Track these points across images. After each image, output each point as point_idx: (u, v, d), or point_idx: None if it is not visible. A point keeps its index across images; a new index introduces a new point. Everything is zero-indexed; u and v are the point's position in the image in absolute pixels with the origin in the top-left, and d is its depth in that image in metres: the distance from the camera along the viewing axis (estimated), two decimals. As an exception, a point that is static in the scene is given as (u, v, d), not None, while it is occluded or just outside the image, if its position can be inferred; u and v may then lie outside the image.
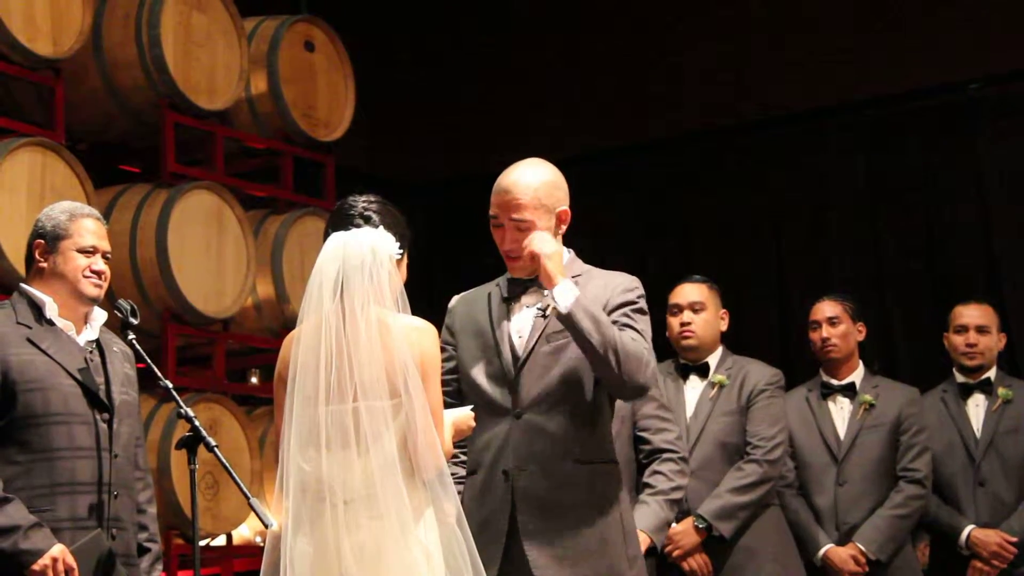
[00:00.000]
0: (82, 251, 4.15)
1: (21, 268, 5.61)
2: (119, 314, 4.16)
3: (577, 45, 8.95)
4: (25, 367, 4.00)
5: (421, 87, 9.39)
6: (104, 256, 4.20)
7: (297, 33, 7.30)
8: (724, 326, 5.52)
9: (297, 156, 7.36)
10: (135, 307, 4.19)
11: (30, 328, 4.06)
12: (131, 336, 4.15)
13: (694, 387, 5.46)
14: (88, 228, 4.18)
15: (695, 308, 5.45)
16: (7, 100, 6.24)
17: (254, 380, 7.60)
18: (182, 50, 6.60)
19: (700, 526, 5.19)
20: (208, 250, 6.57)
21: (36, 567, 3.87)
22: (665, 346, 5.43)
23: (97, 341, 4.19)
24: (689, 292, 5.48)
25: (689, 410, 5.39)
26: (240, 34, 6.89)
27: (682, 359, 5.52)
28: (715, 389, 5.41)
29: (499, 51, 9.17)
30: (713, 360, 5.48)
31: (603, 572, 3.95)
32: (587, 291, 4.03)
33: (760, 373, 5.43)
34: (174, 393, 4.07)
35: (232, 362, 7.06)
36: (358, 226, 3.60)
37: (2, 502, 3.90)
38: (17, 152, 5.73)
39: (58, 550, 3.90)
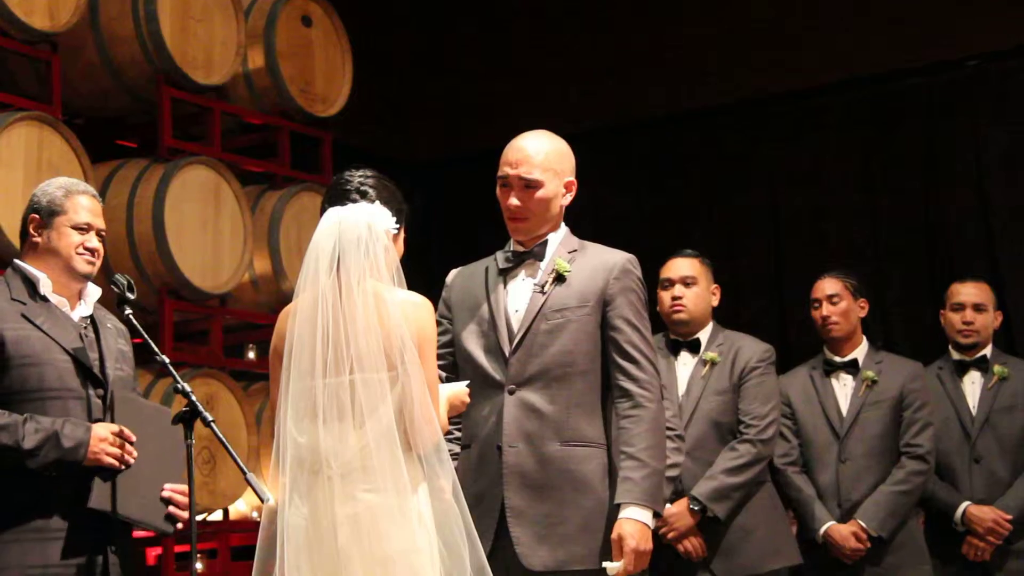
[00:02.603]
0: (76, 228, 4.15)
1: (18, 243, 5.63)
2: (116, 289, 4.16)
3: (576, 22, 8.94)
4: (20, 342, 4.00)
5: (419, 64, 9.38)
6: (99, 234, 4.20)
7: (294, 8, 7.28)
8: (716, 301, 5.50)
9: (294, 131, 7.35)
10: (132, 282, 4.19)
11: (24, 304, 4.06)
12: (128, 311, 4.15)
13: (685, 364, 5.43)
14: (83, 205, 4.18)
15: (686, 282, 5.42)
16: (4, 74, 6.23)
17: (251, 355, 7.59)
18: (179, 25, 6.58)
19: (695, 508, 5.19)
20: (205, 225, 6.57)
21: (91, 455, 3.93)
22: (656, 320, 5.44)
23: (91, 317, 4.19)
24: (680, 266, 5.45)
25: (681, 388, 5.37)
26: (237, 9, 6.88)
27: (672, 334, 5.50)
28: (707, 367, 5.38)
29: (499, 29, 9.16)
30: (704, 336, 5.45)
31: (582, 556, 3.96)
32: (581, 269, 4.05)
33: (752, 349, 5.41)
34: (171, 368, 4.08)
35: (229, 337, 7.05)
36: (354, 201, 3.60)
37: (17, 424, 3.90)
38: (14, 127, 5.72)
39: (101, 429, 3.96)
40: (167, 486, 4.12)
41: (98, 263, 4.20)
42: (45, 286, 4.11)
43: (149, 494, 4.10)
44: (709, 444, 5.29)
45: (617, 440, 4.02)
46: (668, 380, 5.32)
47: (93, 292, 4.21)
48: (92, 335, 4.16)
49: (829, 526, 5.56)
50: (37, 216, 4.17)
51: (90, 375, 4.09)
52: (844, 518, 5.57)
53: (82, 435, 3.94)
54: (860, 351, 5.81)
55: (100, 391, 4.10)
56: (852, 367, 5.78)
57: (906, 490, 5.56)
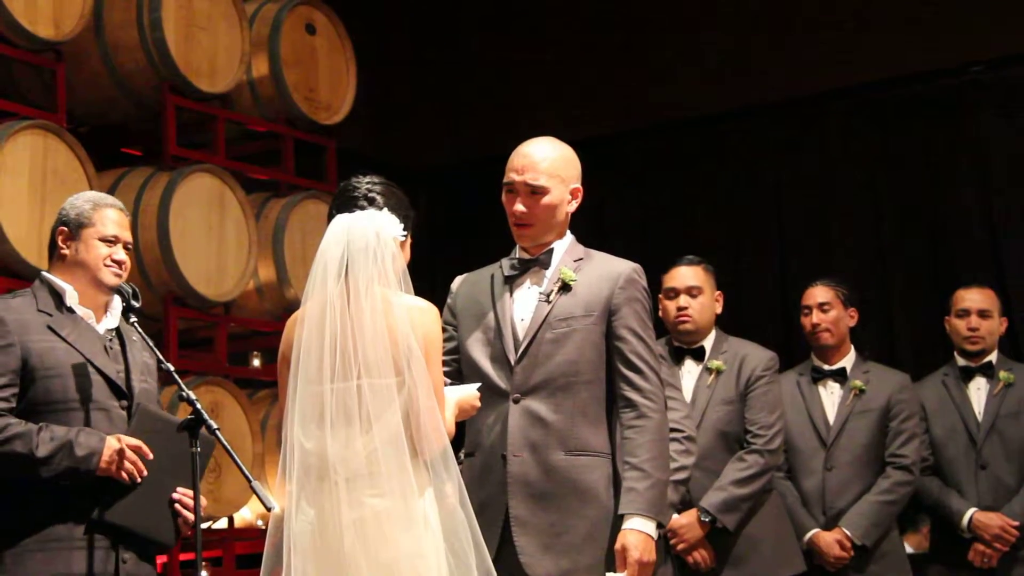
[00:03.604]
0: (104, 240, 4.17)
1: (23, 251, 5.65)
2: (121, 297, 4.17)
3: (579, 30, 8.94)
4: (45, 354, 4.01)
5: (423, 70, 9.39)
6: (125, 246, 4.23)
7: (298, 16, 7.29)
8: (719, 308, 5.48)
9: (298, 139, 7.36)
10: (137, 290, 4.20)
11: (51, 315, 4.08)
12: (133, 319, 4.16)
13: (690, 372, 5.42)
14: (111, 218, 4.20)
15: (692, 292, 5.40)
16: (9, 83, 6.23)
17: (256, 363, 7.60)
18: (183, 33, 6.59)
19: (704, 519, 5.18)
20: (209, 233, 6.57)
21: (103, 465, 3.93)
22: (658, 325, 5.42)
23: (117, 329, 4.21)
24: (686, 276, 5.43)
25: (687, 396, 5.35)
26: (241, 17, 6.89)
27: (676, 341, 5.48)
28: (712, 376, 5.37)
29: (502, 35, 9.16)
30: (708, 343, 5.44)
31: (587, 565, 3.95)
32: (587, 279, 4.04)
33: (757, 358, 5.40)
34: (176, 376, 4.08)
35: (234, 345, 7.06)
36: (362, 208, 3.61)
37: (32, 433, 3.91)
38: (19, 135, 5.73)
39: (114, 441, 3.96)
40: (180, 489, 4.12)
41: (124, 275, 4.22)
42: (71, 298, 4.13)
43: (156, 506, 4.09)
44: (716, 454, 5.27)
45: (621, 450, 4.01)
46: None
47: (119, 305, 4.23)
48: (118, 347, 4.18)
49: (814, 533, 5.57)
50: (65, 228, 4.20)
51: (115, 387, 4.10)
52: (828, 526, 5.58)
53: (95, 444, 3.95)
54: (848, 360, 5.82)
55: (124, 403, 4.12)
56: (840, 375, 5.79)
57: (891, 500, 5.58)
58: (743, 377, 5.34)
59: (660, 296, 5.45)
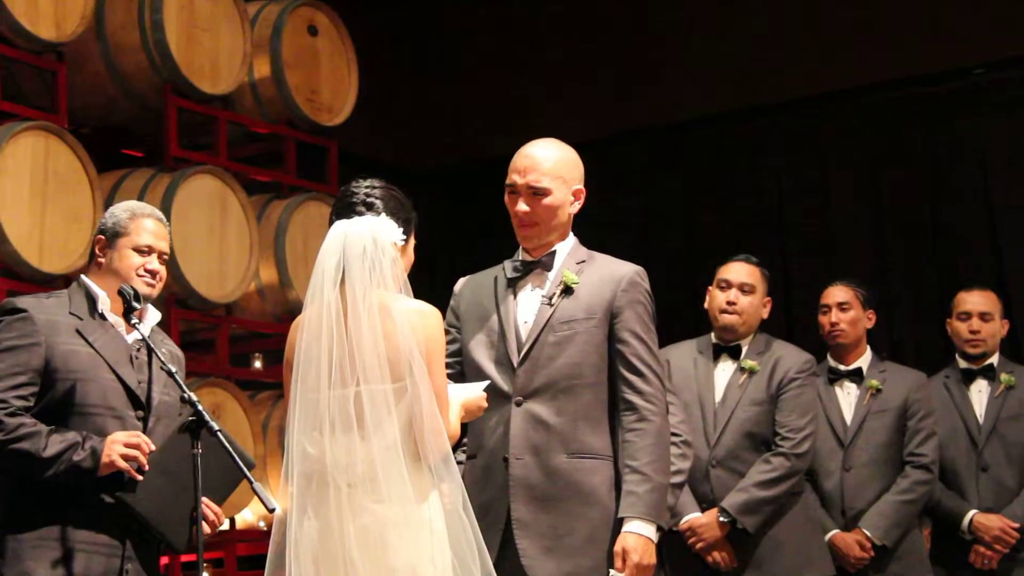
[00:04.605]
0: (137, 250, 4.19)
1: (23, 252, 5.66)
2: (123, 298, 4.17)
3: (580, 32, 8.94)
4: (68, 357, 4.03)
5: (424, 71, 9.39)
6: (160, 256, 4.24)
7: (300, 17, 7.29)
8: (766, 314, 5.43)
9: (300, 141, 7.36)
10: (138, 291, 4.20)
11: (81, 319, 4.10)
12: (134, 320, 4.16)
13: (724, 370, 5.38)
14: (147, 228, 4.22)
15: (744, 289, 5.36)
16: (10, 84, 6.23)
17: (257, 365, 7.60)
18: (185, 34, 6.60)
19: (724, 520, 5.16)
20: (211, 235, 6.58)
21: (105, 461, 3.92)
22: (695, 318, 5.37)
23: (147, 340, 4.21)
24: (741, 271, 5.39)
25: (718, 395, 5.33)
26: (243, 18, 6.89)
27: (716, 338, 5.44)
28: (745, 375, 5.32)
29: (502, 36, 9.17)
30: (746, 342, 5.40)
31: (588, 568, 3.96)
32: (589, 281, 4.05)
33: (792, 359, 5.34)
34: (177, 378, 4.08)
35: (235, 347, 7.06)
36: (360, 213, 3.60)
37: (42, 433, 3.92)
38: (20, 136, 5.73)
39: (117, 435, 3.96)
40: (204, 500, 4.09)
41: (159, 285, 4.24)
42: (104, 304, 4.15)
43: (177, 508, 4.08)
44: (743, 454, 5.24)
45: (622, 453, 4.02)
46: (705, 386, 5.30)
47: (152, 315, 4.24)
48: (144, 357, 4.19)
49: (833, 534, 5.55)
50: (103, 237, 4.23)
51: (133, 397, 4.11)
52: (848, 526, 5.56)
53: (99, 446, 3.96)
54: (864, 360, 5.81)
55: (140, 413, 4.13)
56: (856, 376, 5.77)
57: (910, 499, 5.56)
58: (776, 379, 5.30)
59: (710, 288, 5.43)
